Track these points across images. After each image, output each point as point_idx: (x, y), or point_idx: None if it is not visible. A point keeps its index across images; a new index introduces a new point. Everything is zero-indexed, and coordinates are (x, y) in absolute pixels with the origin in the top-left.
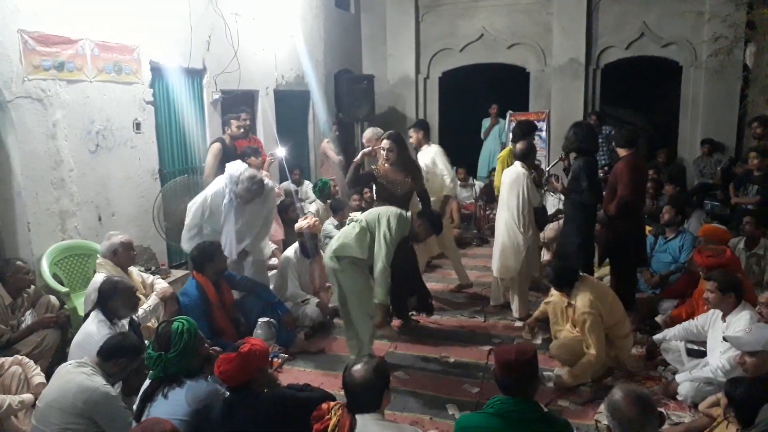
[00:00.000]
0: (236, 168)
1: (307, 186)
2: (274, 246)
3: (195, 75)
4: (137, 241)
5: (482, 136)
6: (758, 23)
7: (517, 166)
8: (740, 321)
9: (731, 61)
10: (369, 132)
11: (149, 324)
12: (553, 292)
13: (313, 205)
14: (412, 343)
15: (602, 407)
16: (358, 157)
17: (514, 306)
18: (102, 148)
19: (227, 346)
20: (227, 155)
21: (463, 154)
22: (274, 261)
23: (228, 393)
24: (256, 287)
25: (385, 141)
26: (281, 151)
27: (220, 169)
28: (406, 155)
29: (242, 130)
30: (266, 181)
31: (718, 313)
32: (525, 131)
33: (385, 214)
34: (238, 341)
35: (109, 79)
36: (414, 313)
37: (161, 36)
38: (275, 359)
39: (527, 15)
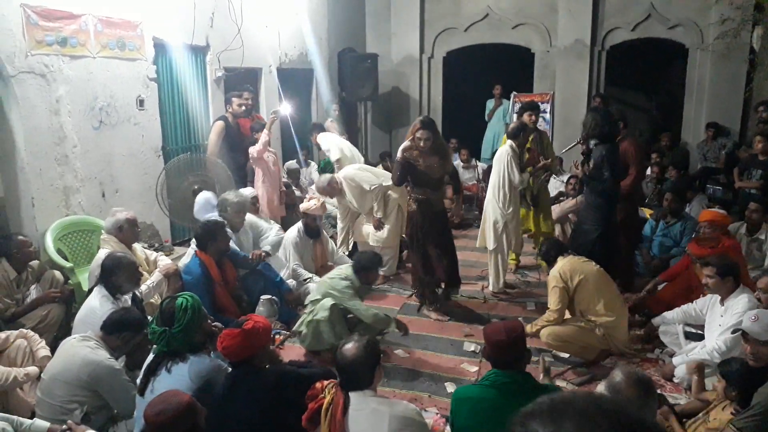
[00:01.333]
0: None
1: (312, 167)
2: (277, 225)
3: (198, 52)
4: (140, 217)
5: (486, 117)
6: (766, 6)
7: (506, 145)
8: (738, 304)
9: (738, 43)
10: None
11: (152, 300)
12: None
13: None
14: (413, 322)
15: (599, 387)
16: (400, 154)
17: (489, 279)
18: (105, 124)
19: (229, 323)
20: (230, 133)
21: (467, 135)
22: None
23: (230, 369)
24: (254, 264)
25: (420, 131)
26: (285, 108)
27: (222, 147)
28: (439, 139)
29: (243, 108)
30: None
31: (717, 296)
32: (522, 109)
33: (328, 287)
34: (242, 318)
35: (113, 55)
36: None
37: (165, 12)
38: (277, 336)
39: None
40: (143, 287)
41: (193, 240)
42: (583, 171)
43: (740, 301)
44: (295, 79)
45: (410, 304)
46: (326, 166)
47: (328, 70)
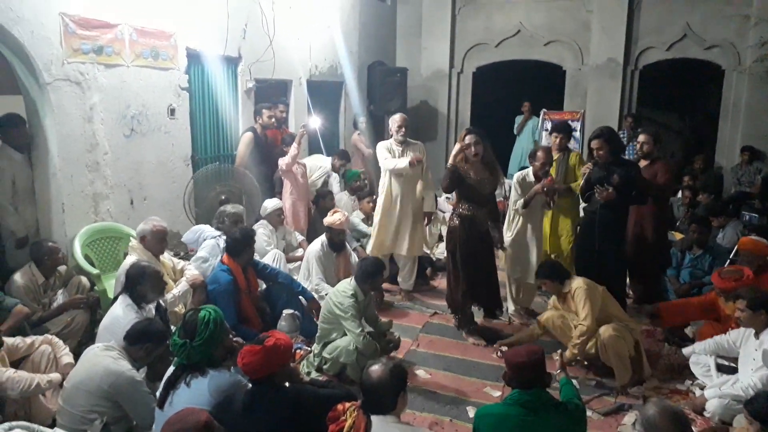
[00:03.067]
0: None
1: (333, 179)
2: (301, 237)
3: (230, 63)
4: (169, 225)
5: (515, 130)
6: None
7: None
8: None
9: None
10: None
11: (177, 309)
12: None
13: (342, 196)
14: (435, 342)
15: (626, 419)
16: (452, 160)
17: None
18: (136, 132)
19: (250, 335)
20: (259, 145)
21: (495, 151)
22: (300, 252)
23: (250, 385)
24: (280, 275)
25: (469, 136)
26: (315, 121)
27: (251, 158)
28: (489, 150)
29: (273, 120)
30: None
31: (751, 329)
32: (551, 130)
33: (334, 304)
34: (263, 334)
35: (146, 65)
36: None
37: (198, 23)
38: (298, 351)
39: (566, 12)
40: (168, 296)
41: (200, 252)
42: (605, 193)
43: None
44: (324, 91)
45: (433, 323)
46: (352, 177)
47: (358, 83)
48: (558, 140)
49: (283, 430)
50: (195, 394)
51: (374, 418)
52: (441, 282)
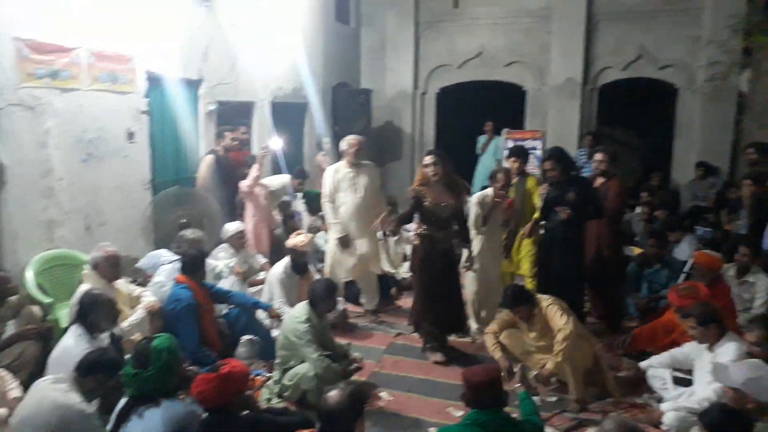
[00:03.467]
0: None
1: (299, 200)
2: (263, 260)
3: (191, 85)
4: (127, 251)
5: (478, 151)
6: (754, 50)
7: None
8: (729, 351)
9: (727, 86)
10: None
11: (133, 338)
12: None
13: (305, 216)
14: (399, 363)
15: None
16: (415, 183)
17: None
18: (94, 157)
19: (211, 359)
20: (221, 167)
21: (458, 170)
22: (262, 275)
23: (205, 415)
24: (229, 294)
25: (428, 157)
26: (276, 143)
27: (212, 181)
28: (451, 171)
29: (237, 142)
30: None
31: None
32: (508, 154)
33: (289, 332)
34: (219, 362)
35: (104, 88)
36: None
37: (158, 46)
38: (258, 377)
39: (526, 34)
40: (124, 324)
41: (157, 277)
42: (565, 212)
43: (730, 348)
44: (288, 113)
45: (397, 343)
46: (315, 198)
47: (322, 104)
48: (516, 165)
49: None
50: (148, 426)
51: None
52: (406, 301)
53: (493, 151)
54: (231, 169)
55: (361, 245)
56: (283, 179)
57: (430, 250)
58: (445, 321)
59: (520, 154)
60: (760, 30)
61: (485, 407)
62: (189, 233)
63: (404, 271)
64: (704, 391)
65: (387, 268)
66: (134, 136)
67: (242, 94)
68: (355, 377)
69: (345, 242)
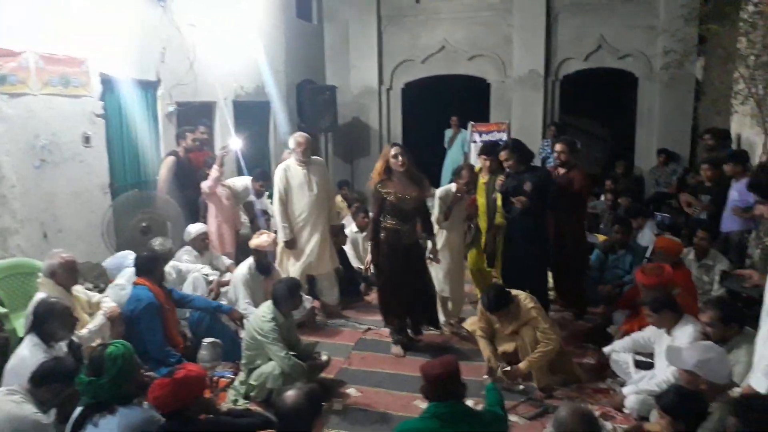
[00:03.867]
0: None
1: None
2: (228, 261)
3: (149, 87)
4: (87, 257)
5: (446, 145)
6: (708, 38)
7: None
8: (685, 335)
9: (683, 74)
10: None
11: (93, 345)
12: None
13: None
14: (367, 358)
15: (550, 423)
16: (374, 175)
17: None
18: (48, 162)
19: (174, 358)
20: (182, 168)
21: (426, 164)
22: (228, 276)
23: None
24: (190, 298)
25: (394, 148)
26: (236, 143)
27: (174, 182)
28: (412, 165)
29: (198, 143)
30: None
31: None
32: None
33: (254, 328)
34: (175, 367)
35: (56, 92)
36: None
37: (112, 48)
38: (222, 378)
39: (487, 27)
40: (83, 331)
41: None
42: (521, 201)
43: (687, 332)
44: (252, 112)
45: (366, 339)
46: None
47: (287, 102)
48: (488, 163)
49: None
50: None
51: None
52: (375, 297)
53: (460, 145)
54: (192, 170)
55: (314, 243)
56: (246, 180)
57: (396, 244)
58: (416, 315)
59: (491, 152)
60: (713, 18)
61: (444, 399)
62: (158, 245)
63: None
64: (663, 373)
65: (356, 264)
66: (90, 140)
67: (202, 94)
68: (322, 375)
69: (292, 245)
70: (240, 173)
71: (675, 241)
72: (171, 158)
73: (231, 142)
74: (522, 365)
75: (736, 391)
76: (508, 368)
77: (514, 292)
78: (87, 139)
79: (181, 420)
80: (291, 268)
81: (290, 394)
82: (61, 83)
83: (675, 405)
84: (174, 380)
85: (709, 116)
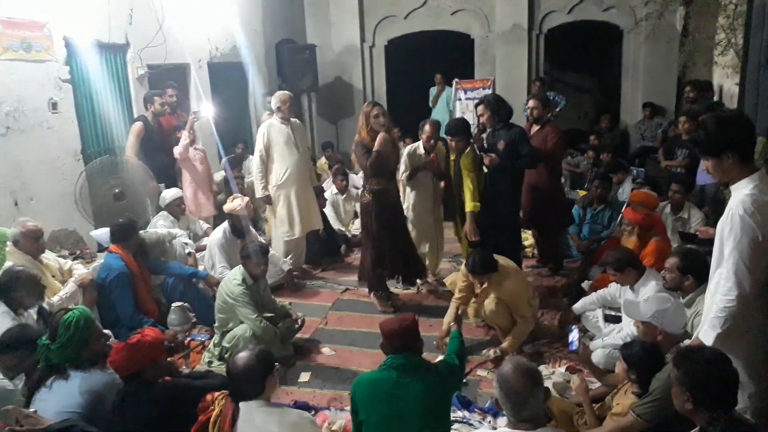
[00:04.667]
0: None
1: (250, 161)
2: (206, 225)
3: (117, 50)
4: (62, 224)
5: (430, 104)
6: None
7: None
8: (647, 290)
9: (665, 25)
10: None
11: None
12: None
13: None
14: (344, 318)
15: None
16: (359, 135)
17: None
18: (13, 130)
19: (147, 325)
20: (150, 134)
21: (412, 123)
22: (206, 241)
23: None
24: (165, 265)
25: (374, 108)
26: (207, 110)
27: (144, 148)
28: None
29: (167, 107)
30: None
31: None
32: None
33: (225, 292)
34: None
35: (17, 57)
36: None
37: (76, 10)
38: (192, 341)
39: None
40: (55, 298)
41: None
42: (491, 159)
43: (649, 287)
44: (229, 73)
45: (343, 299)
46: None
47: (266, 63)
48: (454, 143)
49: (154, 425)
50: (61, 396)
51: (242, 405)
52: (355, 259)
53: (446, 102)
54: (164, 135)
55: (305, 202)
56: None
57: (384, 204)
58: (406, 271)
59: (456, 132)
60: None
61: (399, 352)
62: (156, 236)
63: (355, 228)
64: (629, 327)
65: (337, 225)
66: (58, 106)
67: (174, 56)
68: (298, 336)
69: (269, 200)
70: (213, 141)
71: (650, 194)
72: (139, 124)
73: (202, 108)
74: (505, 344)
75: (686, 343)
76: (499, 353)
77: (503, 262)
78: (54, 105)
79: (138, 383)
80: (280, 231)
81: (241, 355)
82: (22, 48)
83: (636, 356)
84: (128, 345)
85: (696, 69)
